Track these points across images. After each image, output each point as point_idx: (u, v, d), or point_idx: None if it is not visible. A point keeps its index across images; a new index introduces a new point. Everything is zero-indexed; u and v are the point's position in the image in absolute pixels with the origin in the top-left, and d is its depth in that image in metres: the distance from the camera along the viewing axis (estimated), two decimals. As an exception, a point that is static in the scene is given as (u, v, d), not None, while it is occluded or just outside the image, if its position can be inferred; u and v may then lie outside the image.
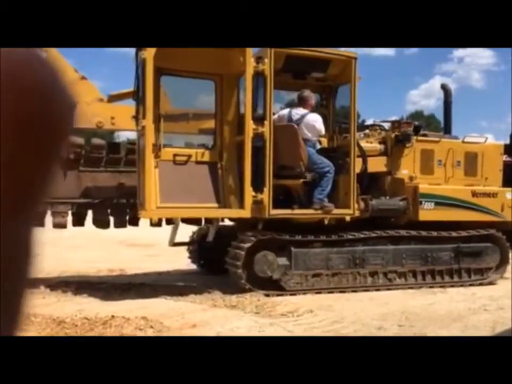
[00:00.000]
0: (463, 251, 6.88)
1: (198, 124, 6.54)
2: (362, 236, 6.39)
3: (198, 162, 6.03)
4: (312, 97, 6.33)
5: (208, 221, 6.50)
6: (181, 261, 8.21)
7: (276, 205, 6.01)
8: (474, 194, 7.00)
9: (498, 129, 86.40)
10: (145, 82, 5.46)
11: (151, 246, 10.12)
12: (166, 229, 6.71)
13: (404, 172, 7.02)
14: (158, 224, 6.08)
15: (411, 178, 6.97)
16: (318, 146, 6.43)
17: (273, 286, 6.07)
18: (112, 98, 6.74)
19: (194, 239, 7.38)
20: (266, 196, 5.84)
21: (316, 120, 6.15)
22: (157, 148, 5.71)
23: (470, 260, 6.93)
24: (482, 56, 77.42)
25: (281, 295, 6.03)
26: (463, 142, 7.55)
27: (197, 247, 7.34)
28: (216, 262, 7.14)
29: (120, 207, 6.34)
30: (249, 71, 5.74)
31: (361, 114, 7.45)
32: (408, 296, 6.03)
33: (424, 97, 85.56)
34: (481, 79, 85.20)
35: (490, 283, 7.04)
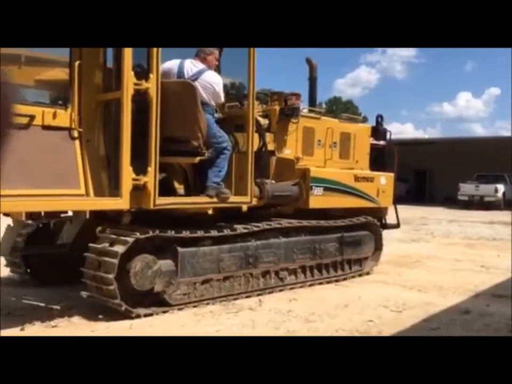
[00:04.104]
0: (345, 241, 6.29)
1: (40, 72, 4.42)
2: (256, 228, 5.23)
3: (45, 127, 4.02)
4: (216, 54, 4.83)
5: (50, 214, 4.49)
6: None
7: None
8: (356, 178, 6.45)
9: (417, 118, 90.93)
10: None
11: None
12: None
13: (287, 152, 6.06)
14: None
15: (297, 159, 6.06)
16: (217, 115, 4.98)
17: (150, 301, 4.51)
18: None
19: (14, 244, 5.16)
20: (151, 178, 4.21)
21: (216, 81, 4.67)
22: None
23: (350, 250, 6.39)
24: (404, 49, 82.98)
25: (166, 312, 4.51)
26: (340, 121, 6.97)
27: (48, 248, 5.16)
28: (49, 268, 5.20)
29: None
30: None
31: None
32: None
33: (350, 86, 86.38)
34: (402, 70, 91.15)
35: (368, 273, 6.64)
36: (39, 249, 4.94)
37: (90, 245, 4.34)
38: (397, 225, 7.39)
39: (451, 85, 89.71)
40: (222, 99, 4.83)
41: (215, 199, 4.71)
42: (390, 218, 7.33)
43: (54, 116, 4.06)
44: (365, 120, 17.71)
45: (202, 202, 4.68)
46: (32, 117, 3.93)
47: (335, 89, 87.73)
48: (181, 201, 4.57)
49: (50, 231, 4.94)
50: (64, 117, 4.14)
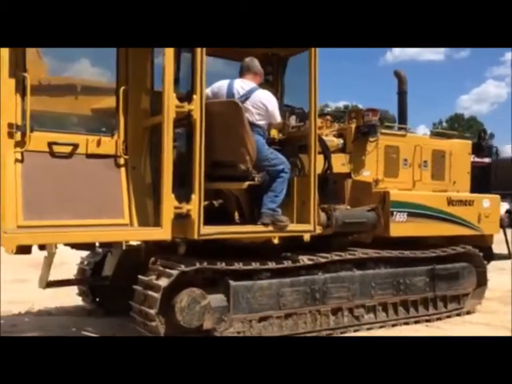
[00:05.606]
0: (438, 274, 5.45)
1: (89, 101, 4.39)
2: (323, 260, 4.68)
3: (89, 156, 3.93)
4: (259, 66, 4.48)
5: (106, 243, 4.39)
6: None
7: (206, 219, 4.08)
8: (450, 202, 5.61)
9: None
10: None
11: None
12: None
13: (365, 174, 5.44)
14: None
15: (376, 181, 5.41)
16: (268, 135, 4.59)
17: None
18: None
19: (82, 273, 5.18)
20: (195, 206, 3.89)
21: (269, 99, 4.28)
22: (20, 131, 3.58)
23: (445, 285, 5.52)
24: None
25: (217, 351, 4.13)
26: (431, 137, 6.20)
27: (90, 280, 5.15)
28: (117, 299, 5.09)
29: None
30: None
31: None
32: None
33: (476, 102, 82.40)
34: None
35: (468, 312, 5.70)
36: (89, 281, 4.87)
37: (140, 277, 4.14)
38: (508, 256, 6.32)
39: None
40: (278, 119, 4.41)
41: (270, 228, 4.28)
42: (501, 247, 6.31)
43: (99, 143, 3.95)
44: (491, 137, 15.90)
45: (255, 231, 4.27)
46: (75, 146, 3.86)
47: (458, 106, 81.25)
48: (229, 231, 4.20)
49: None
50: (109, 144, 4.02)
